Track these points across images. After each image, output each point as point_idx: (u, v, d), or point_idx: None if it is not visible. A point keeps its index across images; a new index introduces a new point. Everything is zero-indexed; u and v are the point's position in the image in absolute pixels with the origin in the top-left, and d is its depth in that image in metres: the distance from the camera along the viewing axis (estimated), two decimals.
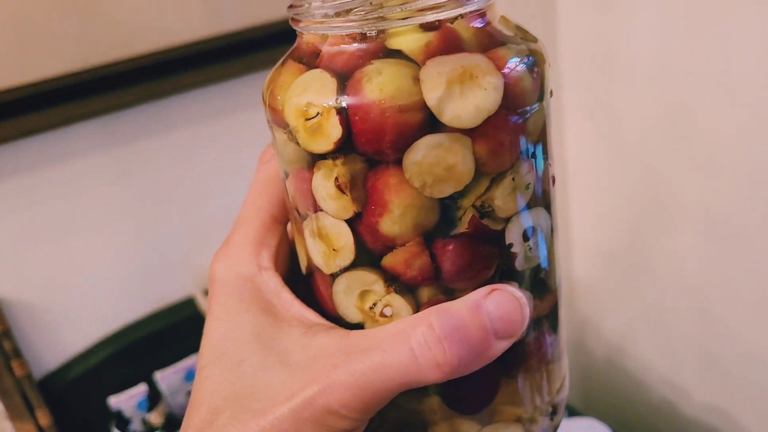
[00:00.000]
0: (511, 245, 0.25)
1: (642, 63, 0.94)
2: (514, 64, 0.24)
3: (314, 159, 0.24)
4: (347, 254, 0.25)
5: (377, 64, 0.23)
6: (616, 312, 1.17)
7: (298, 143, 0.24)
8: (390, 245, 0.24)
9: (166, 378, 0.82)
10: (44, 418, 0.74)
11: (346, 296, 0.25)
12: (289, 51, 0.26)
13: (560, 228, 1.17)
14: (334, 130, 0.23)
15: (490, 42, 0.24)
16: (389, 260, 0.24)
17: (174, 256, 0.84)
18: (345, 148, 0.23)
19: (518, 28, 0.26)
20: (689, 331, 1.04)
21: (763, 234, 0.87)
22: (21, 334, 0.78)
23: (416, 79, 0.22)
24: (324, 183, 0.24)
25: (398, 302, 0.25)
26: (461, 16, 0.24)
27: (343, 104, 0.23)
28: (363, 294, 0.25)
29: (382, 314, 0.25)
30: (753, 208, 0.87)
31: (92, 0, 0.72)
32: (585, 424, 0.95)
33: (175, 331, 0.84)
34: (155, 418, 0.81)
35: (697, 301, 1.00)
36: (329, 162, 0.23)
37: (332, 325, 0.25)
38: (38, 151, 0.74)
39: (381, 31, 0.23)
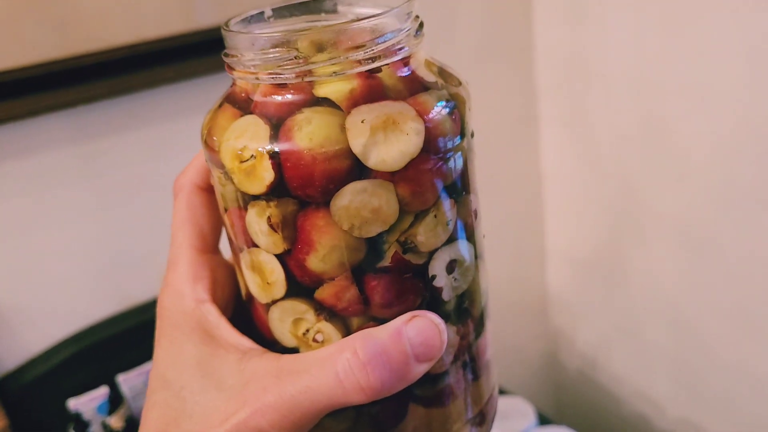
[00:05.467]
0: (434, 277, 0.27)
1: (617, 74, 0.95)
2: (435, 109, 0.26)
3: (248, 198, 0.26)
4: (279, 287, 0.26)
5: (307, 113, 0.25)
6: (590, 323, 1.16)
7: (233, 183, 0.26)
8: (318, 280, 0.26)
9: (128, 381, 0.80)
10: (1, 419, 0.71)
11: (280, 323, 0.27)
12: (225, 94, 0.28)
13: (535, 237, 1.17)
14: (266, 174, 0.25)
15: (412, 88, 0.26)
16: (321, 293, 0.26)
17: (141, 256, 0.82)
18: (277, 190, 0.25)
19: (441, 72, 0.28)
20: (663, 343, 1.03)
21: (738, 245, 0.88)
22: None
23: (342, 127, 0.24)
24: (257, 220, 0.26)
25: (328, 329, 0.26)
26: (381, 68, 0.26)
27: (276, 150, 0.24)
28: (296, 321, 0.27)
29: (314, 340, 0.27)
30: (727, 219, 0.88)
31: None
32: None
33: (139, 333, 0.82)
34: (115, 422, 0.78)
35: (671, 312, 1.00)
36: (263, 202, 0.25)
37: (265, 350, 0.27)
38: (1, 143, 0.72)
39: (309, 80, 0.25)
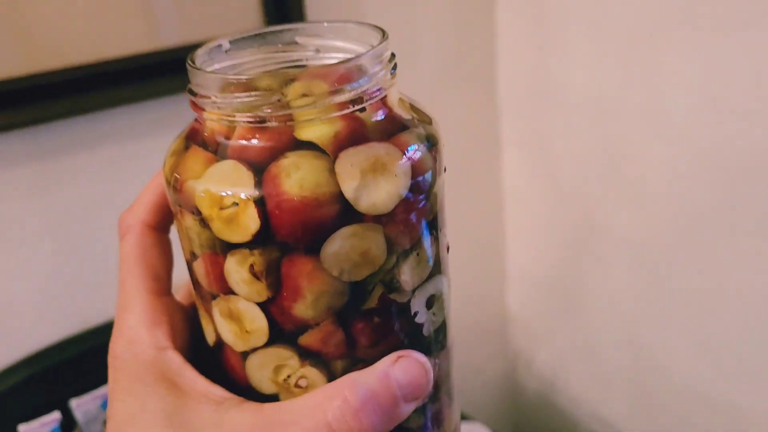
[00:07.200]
0: (416, 314, 0.27)
1: (577, 100, 0.97)
2: (417, 149, 0.25)
3: (228, 246, 0.24)
4: (261, 336, 0.25)
5: (293, 158, 0.24)
6: (548, 344, 1.17)
7: (210, 230, 0.25)
8: (304, 326, 0.25)
9: (82, 406, 0.78)
10: None
11: (259, 371, 0.26)
12: (187, 132, 0.27)
13: (495, 259, 1.18)
14: (252, 223, 0.24)
15: (392, 128, 0.25)
16: (305, 339, 0.25)
17: (96, 277, 0.80)
18: (261, 238, 0.24)
19: (413, 108, 0.28)
20: (620, 364, 1.05)
21: (693, 268, 0.90)
22: None
23: (331, 172, 0.23)
24: (238, 269, 0.25)
25: (313, 374, 0.26)
26: (365, 108, 0.25)
27: (261, 198, 0.23)
28: (277, 368, 0.26)
29: (297, 385, 0.26)
30: (682, 243, 0.90)
31: (23, 4, 0.70)
32: None
33: (94, 357, 0.80)
34: None
35: (629, 334, 1.02)
36: (245, 251, 0.24)
37: (242, 399, 0.26)
38: None
39: (290, 122, 0.24)
